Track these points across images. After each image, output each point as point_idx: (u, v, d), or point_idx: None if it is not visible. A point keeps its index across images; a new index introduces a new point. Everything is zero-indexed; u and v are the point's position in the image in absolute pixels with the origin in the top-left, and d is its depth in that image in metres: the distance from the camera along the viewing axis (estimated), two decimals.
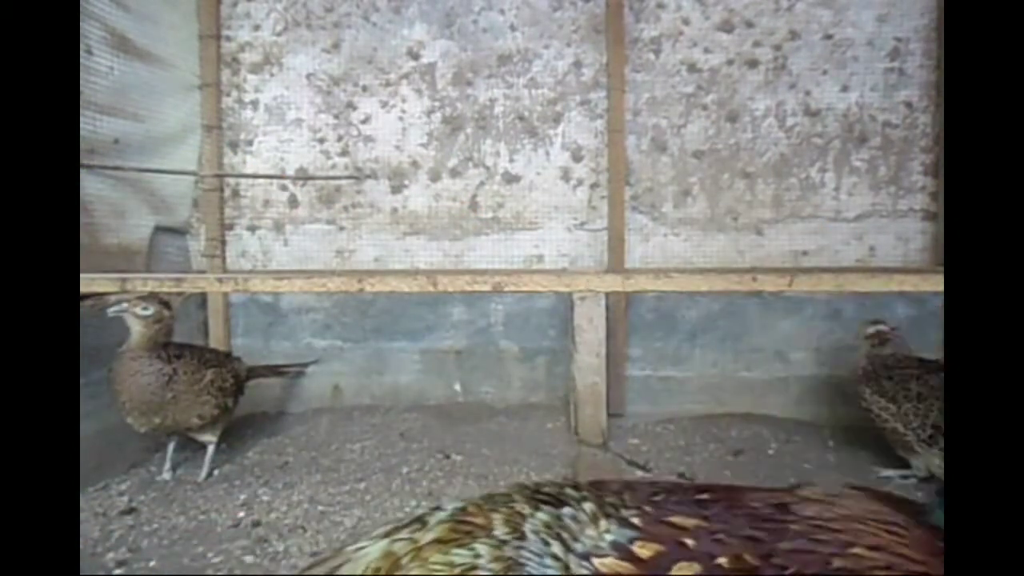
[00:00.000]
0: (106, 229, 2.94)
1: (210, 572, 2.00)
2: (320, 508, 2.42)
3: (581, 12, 3.46)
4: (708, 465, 2.81)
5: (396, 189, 3.55)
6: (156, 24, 3.20)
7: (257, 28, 3.53)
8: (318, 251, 3.58)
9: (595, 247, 3.50)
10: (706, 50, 3.42)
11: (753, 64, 3.41)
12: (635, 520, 0.73)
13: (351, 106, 3.54)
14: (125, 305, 2.52)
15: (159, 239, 3.29)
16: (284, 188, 3.59)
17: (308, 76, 3.54)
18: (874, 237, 3.40)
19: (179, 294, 2.99)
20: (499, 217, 3.53)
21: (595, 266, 3.49)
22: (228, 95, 3.54)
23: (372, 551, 0.83)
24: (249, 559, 2.07)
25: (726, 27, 3.41)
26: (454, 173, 3.54)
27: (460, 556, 0.75)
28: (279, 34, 3.53)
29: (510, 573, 0.72)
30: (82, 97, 2.71)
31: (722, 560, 0.66)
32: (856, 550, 0.67)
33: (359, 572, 0.81)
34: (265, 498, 2.50)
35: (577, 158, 3.50)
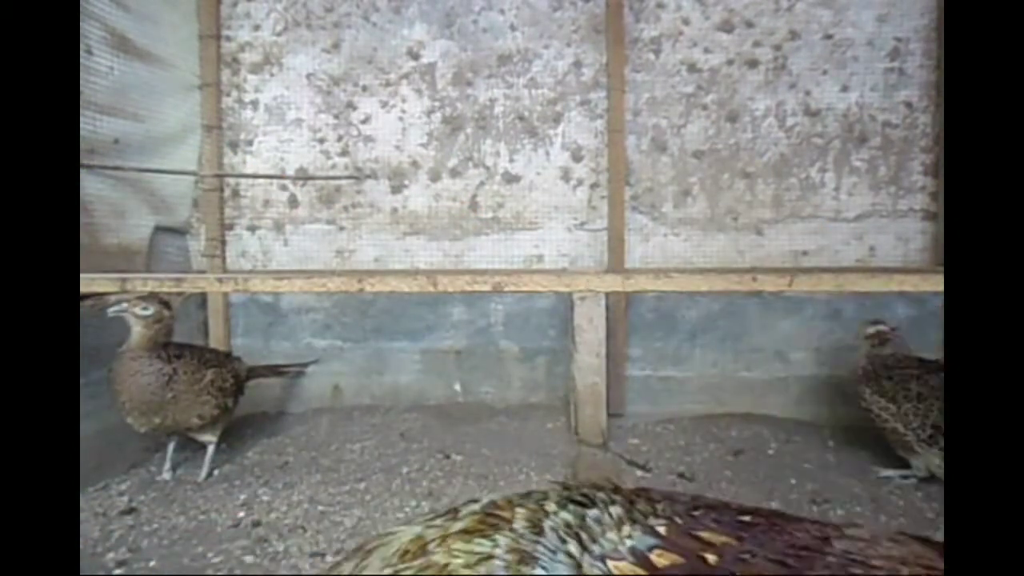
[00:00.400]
0: (106, 229, 2.94)
1: (210, 572, 2.00)
2: (320, 508, 2.42)
3: (581, 12, 3.46)
4: (708, 465, 2.81)
5: (396, 189, 3.55)
6: (156, 24, 3.20)
7: (257, 28, 3.53)
8: (318, 251, 3.58)
9: (595, 247, 3.50)
10: (706, 50, 3.43)
11: (753, 64, 3.41)
12: (660, 529, 0.74)
13: (351, 106, 3.54)
14: (125, 305, 2.52)
15: (159, 239, 3.30)
16: (284, 188, 3.59)
17: (308, 76, 3.54)
18: (874, 237, 3.40)
19: (179, 294, 2.99)
20: (499, 217, 3.53)
21: (595, 266, 3.49)
22: (228, 95, 3.55)
23: (404, 535, 0.88)
24: (249, 559, 2.07)
25: (726, 27, 3.41)
26: (454, 173, 3.54)
27: (480, 545, 0.79)
28: (279, 34, 3.53)
29: (522, 565, 0.74)
30: (82, 97, 2.71)
31: None
32: None
33: (390, 552, 0.86)
34: (265, 498, 2.50)
35: (577, 158, 3.50)
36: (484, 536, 0.79)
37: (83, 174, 2.75)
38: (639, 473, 2.73)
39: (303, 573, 2.01)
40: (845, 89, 3.38)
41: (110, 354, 2.54)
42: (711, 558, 0.68)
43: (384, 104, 3.54)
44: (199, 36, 3.45)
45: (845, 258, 3.42)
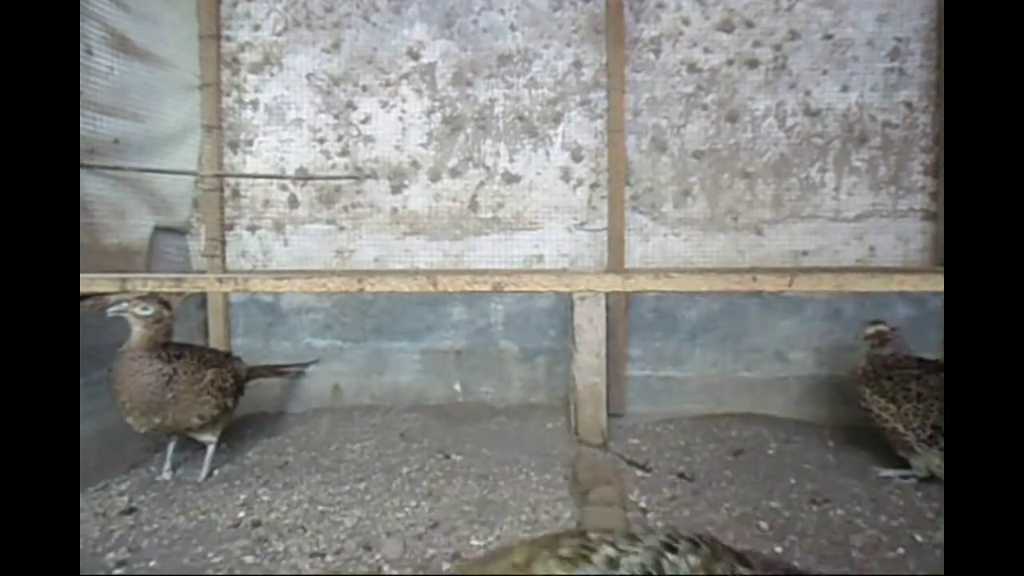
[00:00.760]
0: (106, 229, 2.94)
1: (210, 572, 2.00)
2: (320, 508, 2.42)
3: (581, 12, 3.46)
4: (708, 465, 2.81)
5: (396, 189, 3.56)
6: (156, 24, 3.20)
7: (257, 28, 3.53)
8: (318, 251, 3.58)
9: (595, 247, 3.50)
10: (706, 50, 3.43)
11: (753, 64, 3.41)
12: None
13: (351, 106, 3.54)
14: (125, 305, 2.52)
15: (159, 239, 3.30)
16: (284, 188, 3.59)
17: (308, 76, 3.54)
18: (874, 237, 3.40)
19: (179, 294, 2.99)
20: (499, 217, 3.53)
21: (595, 266, 3.50)
22: (228, 95, 3.55)
23: (519, 552, 1.08)
24: (249, 559, 2.07)
25: (726, 27, 3.41)
26: (454, 173, 3.54)
27: (564, 568, 0.99)
28: (279, 34, 3.53)
29: None
30: (82, 97, 2.71)
31: None
32: None
33: (504, 561, 1.07)
34: (265, 498, 2.50)
35: (577, 158, 3.50)
36: (573, 563, 0.98)
37: (83, 174, 2.75)
38: (639, 473, 2.73)
39: (303, 573, 2.01)
40: (845, 89, 3.38)
41: (110, 354, 2.54)
42: None
43: (384, 104, 3.54)
44: (199, 36, 3.45)
45: (845, 258, 3.42)
